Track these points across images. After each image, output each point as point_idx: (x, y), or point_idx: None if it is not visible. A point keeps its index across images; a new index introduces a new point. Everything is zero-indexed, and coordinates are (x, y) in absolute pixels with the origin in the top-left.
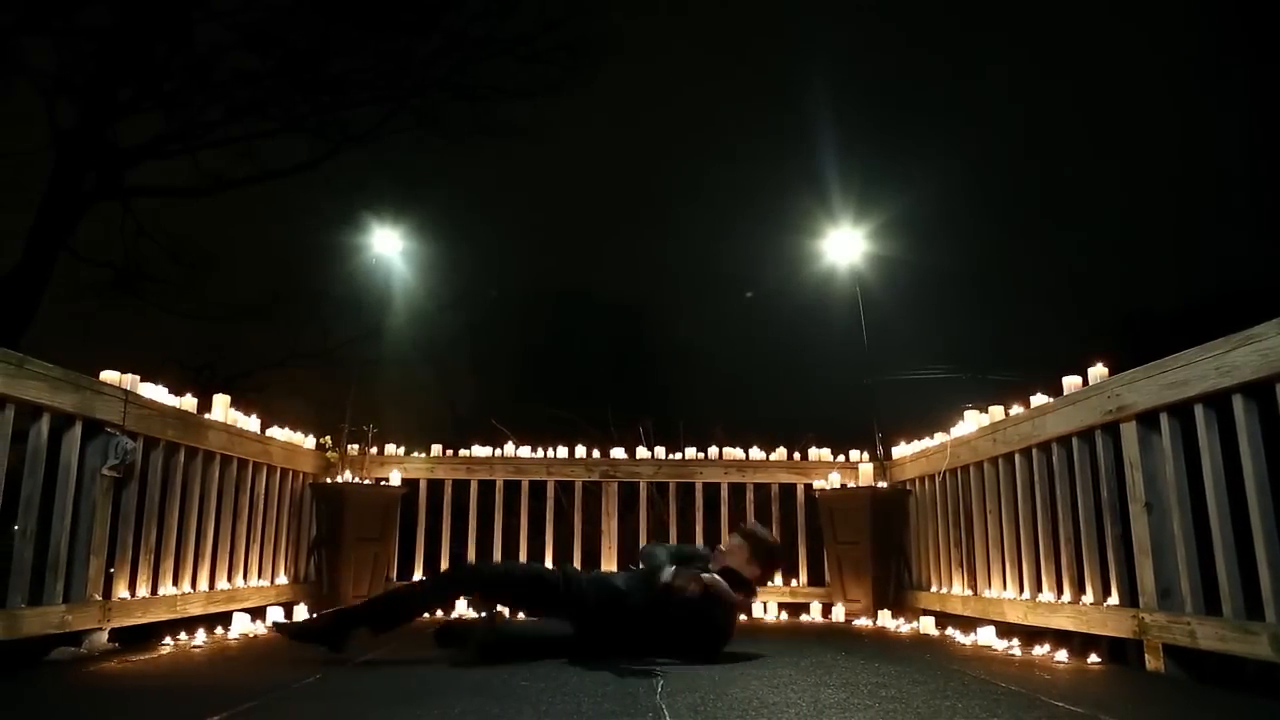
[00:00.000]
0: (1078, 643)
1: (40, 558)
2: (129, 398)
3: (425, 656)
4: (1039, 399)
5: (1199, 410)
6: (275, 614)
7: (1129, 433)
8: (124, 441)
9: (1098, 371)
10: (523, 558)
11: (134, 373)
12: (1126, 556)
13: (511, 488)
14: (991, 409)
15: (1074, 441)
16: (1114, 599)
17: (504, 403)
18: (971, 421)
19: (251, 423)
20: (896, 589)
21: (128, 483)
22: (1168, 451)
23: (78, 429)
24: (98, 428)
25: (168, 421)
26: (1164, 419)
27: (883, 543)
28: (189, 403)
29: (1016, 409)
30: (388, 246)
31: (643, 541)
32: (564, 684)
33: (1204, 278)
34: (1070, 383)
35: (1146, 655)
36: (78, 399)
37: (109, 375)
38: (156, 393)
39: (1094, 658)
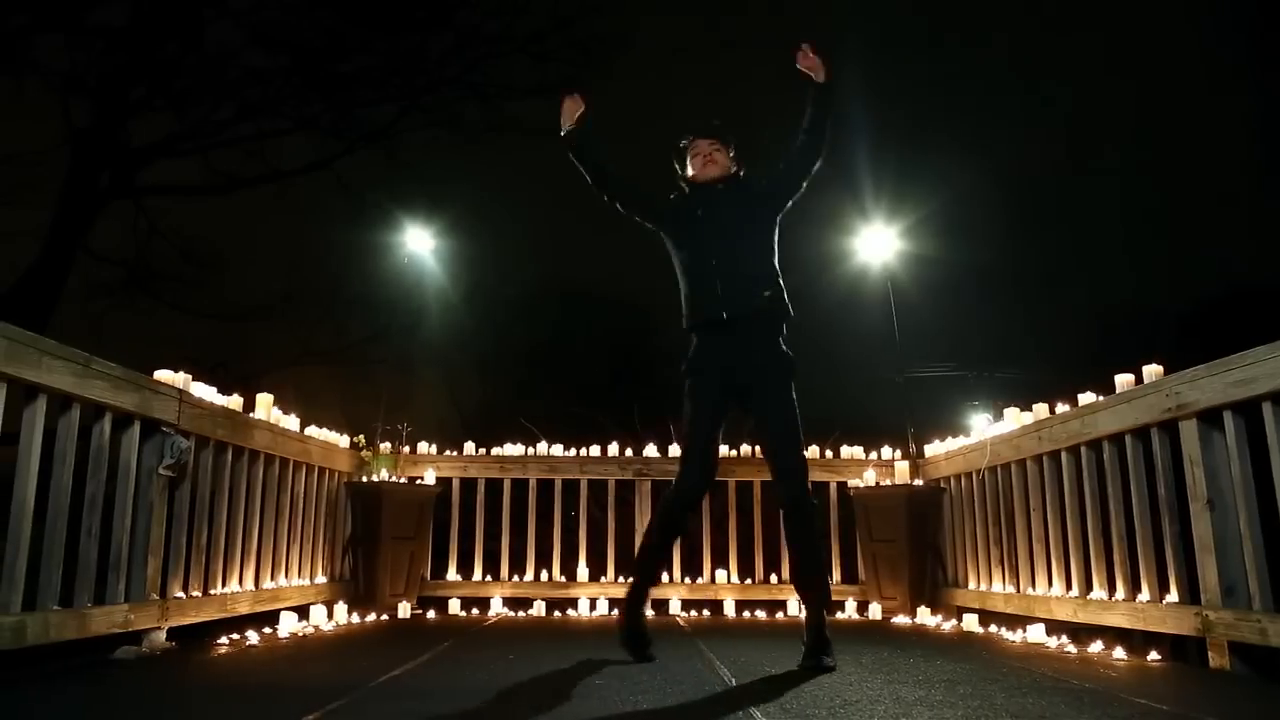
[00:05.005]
0: (1113, 639)
1: (102, 557)
2: (183, 397)
3: (485, 655)
4: (1087, 397)
5: (1267, 408)
6: (318, 612)
7: (1189, 430)
8: (179, 441)
9: (1153, 369)
10: (557, 555)
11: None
12: (1185, 554)
13: (544, 486)
14: (1035, 406)
15: (1127, 439)
16: (1173, 596)
17: (508, 402)
18: (1012, 419)
19: (292, 422)
20: (932, 586)
21: (181, 482)
22: (1232, 449)
23: (136, 428)
24: (154, 427)
25: (218, 421)
26: (1227, 416)
27: (919, 540)
28: (235, 402)
29: (1063, 407)
30: (412, 245)
31: None
32: (638, 682)
33: (1207, 278)
34: (1123, 380)
35: (1210, 653)
36: (138, 399)
37: (164, 374)
38: (207, 392)
39: (1154, 655)
